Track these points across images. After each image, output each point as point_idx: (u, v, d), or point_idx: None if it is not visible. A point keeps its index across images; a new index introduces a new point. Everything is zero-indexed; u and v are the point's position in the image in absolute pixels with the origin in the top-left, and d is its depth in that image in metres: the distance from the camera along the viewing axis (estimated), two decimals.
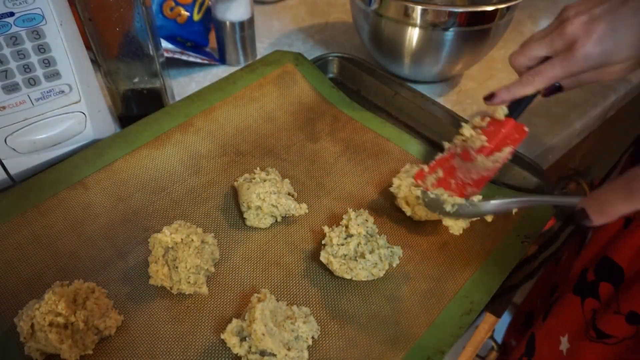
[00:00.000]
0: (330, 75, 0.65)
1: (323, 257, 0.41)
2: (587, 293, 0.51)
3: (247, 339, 0.36)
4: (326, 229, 0.43)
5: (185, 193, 0.48)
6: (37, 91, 0.45)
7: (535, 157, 0.55)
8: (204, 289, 0.40)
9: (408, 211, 0.46)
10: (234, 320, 0.36)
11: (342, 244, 0.41)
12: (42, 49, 0.44)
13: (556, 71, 0.41)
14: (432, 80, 0.66)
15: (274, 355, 0.35)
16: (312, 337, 0.37)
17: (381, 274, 0.41)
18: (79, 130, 0.50)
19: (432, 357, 0.37)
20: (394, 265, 0.41)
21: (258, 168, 0.48)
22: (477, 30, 0.56)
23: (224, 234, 0.45)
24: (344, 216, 0.43)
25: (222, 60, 0.68)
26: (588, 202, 0.32)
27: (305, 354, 0.36)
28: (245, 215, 0.45)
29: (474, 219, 0.44)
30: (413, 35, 0.57)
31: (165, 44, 0.62)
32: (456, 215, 0.42)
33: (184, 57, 0.63)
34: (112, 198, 0.47)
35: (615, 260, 0.49)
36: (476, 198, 0.42)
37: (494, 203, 0.40)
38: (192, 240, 0.40)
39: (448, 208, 0.41)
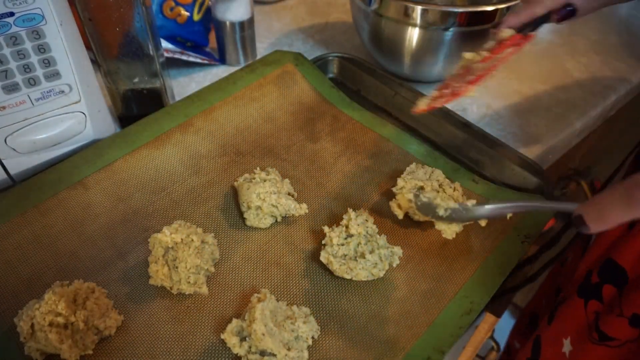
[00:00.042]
0: (330, 75, 0.65)
1: (323, 257, 0.41)
2: (591, 295, 0.51)
3: (247, 339, 0.36)
4: (326, 229, 0.43)
5: (185, 193, 0.48)
6: (37, 91, 0.45)
7: (535, 157, 0.55)
8: (204, 289, 0.40)
9: (400, 214, 0.46)
10: (234, 320, 0.36)
11: (342, 244, 0.41)
12: (42, 49, 0.44)
13: None
14: (432, 80, 0.66)
15: (274, 355, 0.35)
16: (312, 337, 0.37)
17: (381, 274, 0.41)
18: (79, 130, 0.50)
19: (432, 357, 0.37)
20: (394, 265, 0.41)
21: (258, 168, 0.48)
22: (477, 30, 0.56)
23: (224, 234, 0.45)
24: (344, 216, 0.43)
25: (222, 60, 0.68)
26: (586, 209, 0.31)
27: (305, 354, 0.36)
28: (245, 215, 0.45)
29: (468, 223, 0.44)
30: (413, 35, 0.57)
31: (165, 44, 0.62)
32: (449, 219, 0.42)
33: (184, 57, 0.63)
34: (112, 198, 0.47)
35: (619, 262, 0.49)
36: (470, 202, 0.42)
37: (487, 208, 0.40)
38: (192, 240, 0.40)
39: (441, 212, 0.41)
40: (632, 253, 0.48)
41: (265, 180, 0.45)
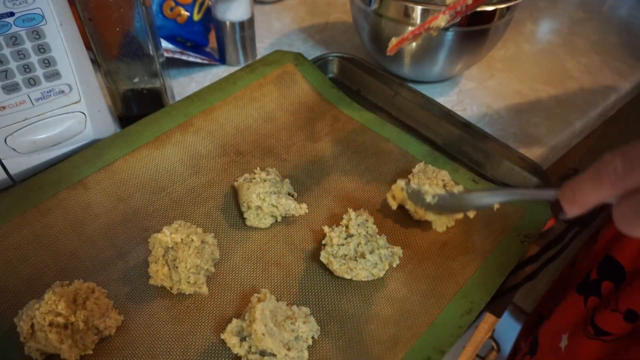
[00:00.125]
0: (330, 75, 0.65)
1: (323, 257, 0.41)
2: (590, 291, 0.51)
3: (247, 339, 0.36)
4: (326, 229, 0.43)
5: (185, 193, 0.48)
6: (37, 91, 0.45)
7: (535, 157, 0.55)
8: (204, 289, 0.40)
9: (393, 205, 0.45)
10: (234, 320, 0.36)
11: (342, 244, 0.41)
12: (42, 49, 0.44)
13: None
14: (432, 80, 0.66)
15: (274, 355, 0.35)
16: (312, 337, 0.37)
17: (381, 274, 0.41)
18: (79, 130, 0.50)
19: (432, 356, 0.37)
20: (394, 265, 0.41)
21: (258, 168, 0.48)
22: (476, 30, 0.56)
23: (224, 234, 0.45)
24: (344, 216, 0.43)
25: (222, 60, 0.68)
26: (561, 193, 0.30)
27: (305, 354, 0.36)
28: (245, 215, 0.45)
29: (458, 215, 0.44)
30: None
31: (165, 44, 0.62)
32: (438, 207, 0.41)
33: (184, 57, 0.63)
34: (112, 198, 0.47)
35: (617, 259, 0.49)
36: (457, 189, 0.42)
37: (474, 194, 0.40)
38: (192, 240, 0.40)
39: (429, 199, 0.41)
40: (630, 250, 0.48)
41: (265, 180, 0.45)
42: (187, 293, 0.40)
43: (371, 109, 0.59)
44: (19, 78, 0.44)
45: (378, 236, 0.42)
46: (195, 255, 0.39)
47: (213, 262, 0.42)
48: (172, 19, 0.63)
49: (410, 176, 0.47)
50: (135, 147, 0.50)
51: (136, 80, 0.53)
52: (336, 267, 0.40)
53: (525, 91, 0.66)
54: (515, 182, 0.51)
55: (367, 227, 0.42)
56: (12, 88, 0.44)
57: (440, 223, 0.44)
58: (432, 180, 0.46)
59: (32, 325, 0.35)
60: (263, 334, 0.34)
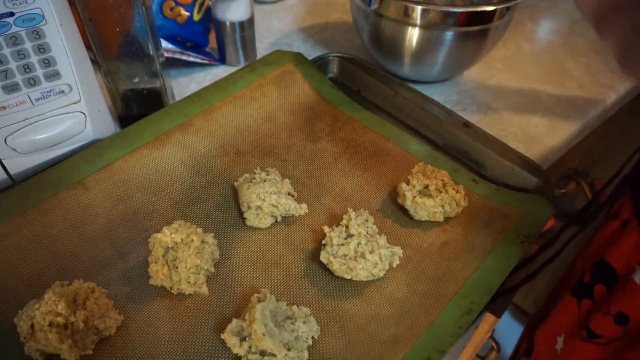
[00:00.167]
0: (330, 75, 0.65)
1: (323, 257, 0.41)
2: (584, 294, 0.51)
3: (247, 339, 0.36)
4: (326, 229, 0.43)
5: (185, 193, 0.48)
6: (37, 91, 0.45)
7: (535, 157, 0.55)
8: (204, 289, 0.40)
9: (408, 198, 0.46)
10: (234, 320, 0.36)
11: (342, 244, 0.41)
12: (42, 49, 0.44)
13: None
14: (432, 80, 0.66)
15: (274, 355, 0.35)
16: (312, 337, 0.37)
17: (381, 274, 0.41)
18: (79, 130, 0.50)
19: (432, 356, 0.37)
20: (394, 265, 0.41)
21: (258, 168, 0.48)
22: (476, 30, 0.56)
23: (224, 234, 0.45)
24: (344, 216, 0.43)
25: (222, 60, 0.68)
26: None
27: (305, 354, 0.36)
28: (245, 215, 0.45)
29: (453, 214, 0.45)
30: (413, 35, 0.57)
31: (165, 44, 0.62)
32: None
33: (184, 57, 0.63)
34: (112, 198, 0.47)
35: (610, 262, 0.49)
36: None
37: None
38: (192, 240, 0.40)
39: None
40: (622, 253, 0.48)
41: (265, 180, 0.45)
42: (187, 293, 0.40)
43: (371, 109, 0.59)
44: (19, 78, 0.44)
45: (378, 236, 0.42)
46: (195, 255, 0.39)
47: (213, 262, 0.42)
48: (172, 19, 0.63)
49: (409, 176, 0.47)
50: (135, 147, 0.50)
51: (136, 80, 0.53)
52: (336, 267, 0.40)
53: (525, 91, 0.66)
54: (515, 182, 0.51)
55: (367, 227, 0.42)
56: (12, 88, 0.44)
57: (420, 215, 0.45)
58: (432, 180, 0.46)
59: (32, 325, 0.35)
60: (263, 334, 0.34)
